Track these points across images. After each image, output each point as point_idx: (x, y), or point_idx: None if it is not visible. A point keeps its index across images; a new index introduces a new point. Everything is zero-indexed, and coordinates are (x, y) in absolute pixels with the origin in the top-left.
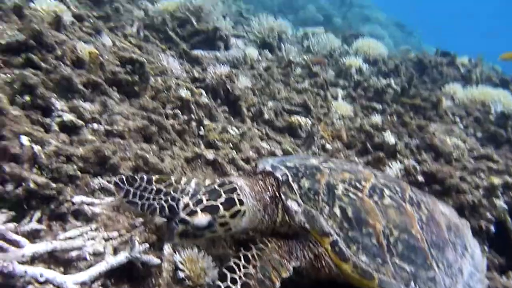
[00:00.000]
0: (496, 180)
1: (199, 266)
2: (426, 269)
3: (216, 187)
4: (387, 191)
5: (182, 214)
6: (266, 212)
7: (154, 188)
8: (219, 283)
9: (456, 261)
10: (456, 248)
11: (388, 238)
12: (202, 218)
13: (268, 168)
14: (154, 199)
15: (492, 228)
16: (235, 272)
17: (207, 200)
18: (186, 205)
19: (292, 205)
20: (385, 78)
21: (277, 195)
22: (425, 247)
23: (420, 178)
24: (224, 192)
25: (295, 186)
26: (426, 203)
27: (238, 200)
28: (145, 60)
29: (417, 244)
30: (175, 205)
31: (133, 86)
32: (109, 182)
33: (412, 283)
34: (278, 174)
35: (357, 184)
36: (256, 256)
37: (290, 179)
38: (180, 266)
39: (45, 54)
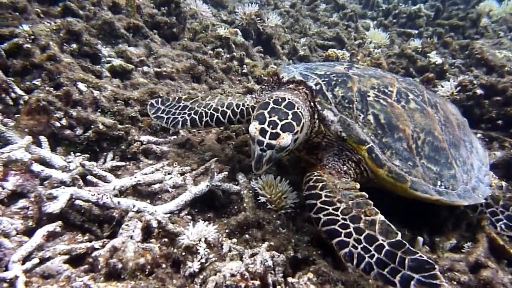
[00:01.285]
0: None
1: (278, 190)
2: (448, 168)
3: (273, 104)
4: (410, 95)
5: (267, 140)
6: (310, 122)
7: (181, 105)
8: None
9: (468, 158)
10: (466, 145)
11: (416, 142)
12: (286, 138)
13: (299, 77)
14: (179, 113)
15: None
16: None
17: (279, 120)
18: (262, 130)
19: (328, 114)
20: (415, 4)
21: (312, 105)
22: (446, 147)
23: (479, 91)
24: (287, 108)
25: (329, 95)
26: (440, 104)
27: (301, 113)
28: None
29: (440, 145)
30: (197, 119)
31: (171, 28)
32: None
33: (439, 182)
34: (311, 84)
35: (385, 90)
36: (329, 194)
37: (324, 88)
38: (260, 191)
39: (81, 1)
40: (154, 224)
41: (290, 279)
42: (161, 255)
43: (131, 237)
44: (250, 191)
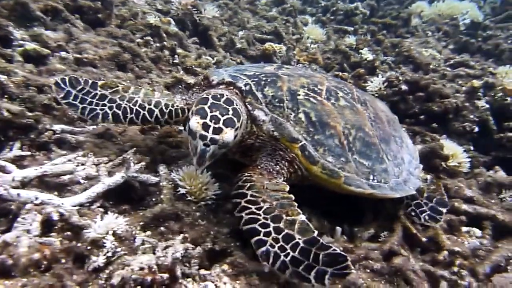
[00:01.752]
0: (477, 83)
1: (198, 182)
2: (380, 162)
3: (212, 99)
4: (340, 93)
5: (210, 134)
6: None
7: (98, 93)
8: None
9: (398, 152)
10: (397, 140)
11: (348, 138)
12: (229, 133)
13: (228, 79)
14: (97, 104)
15: (476, 128)
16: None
17: (221, 115)
18: (205, 125)
19: (260, 114)
20: (352, 2)
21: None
22: (377, 142)
23: (404, 87)
24: (226, 104)
25: (259, 95)
26: (369, 101)
27: (239, 109)
28: None
29: (371, 140)
30: (121, 114)
31: (96, 13)
32: None
33: (371, 176)
34: (240, 84)
35: (315, 88)
36: (256, 194)
37: (254, 88)
38: (180, 182)
39: None
40: (55, 216)
41: (202, 271)
42: (62, 249)
43: (28, 231)
44: (170, 183)
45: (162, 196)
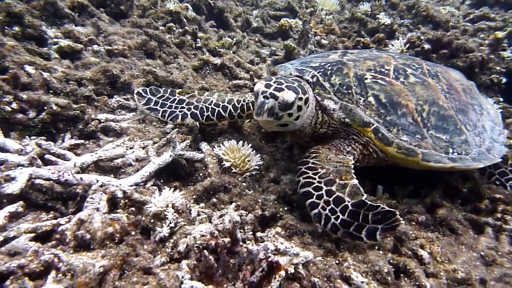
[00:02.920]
0: (500, 34)
1: (241, 154)
2: (458, 134)
3: (281, 76)
4: (408, 70)
5: (271, 90)
6: (314, 111)
7: (177, 98)
8: (300, 178)
9: (478, 120)
10: (475, 108)
11: (421, 114)
12: (289, 94)
13: (295, 73)
14: (176, 107)
15: (504, 79)
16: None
17: (286, 82)
18: (267, 85)
19: (329, 103)
20: None
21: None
22: (453, 114)
23: (427, 46)
24: (293, 80)
25: (326, 84)
26: (441, 73)
27: (307, 88)
28: None
29: (446, 113)
30: (198, 114)
31: (118, 5)
32: (126, 99)
33: (450, 149)
34: (307, 77)
35: (382, 69)
36: (317, 162)
37: (321, 78)
38: (224, 157)
39: None
40: (120, 194)
41: (258, 234)
42: (130, 223)
43: (97, 209)
44: (214, 158)
45: (209, 170)
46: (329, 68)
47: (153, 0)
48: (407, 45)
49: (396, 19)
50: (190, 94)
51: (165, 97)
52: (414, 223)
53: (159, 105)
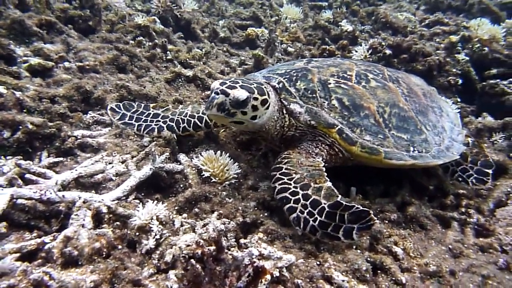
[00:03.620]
0: (454, 38)
1: (219, 164)
2: (419, 134)
3: (242, 79)
4: (370, 75)
5: (222, 87)
6: (278, 115)
7: (151, 112)
8: (276, 184)
9: (438, 121)
10: (435, 110)
11: (383, 115)
12: (241, 92)
13: (262, 80)
14: (151, 121)
15: (460, 80)
16: (284, 179)
17: (242, 82)
18: (222, 83)
19: (295, 107)
20: None
21: (279, 102)
22: (413, 115)
23: (388, 51)
24: (254, 82)
25: (292, 89)
26: (402, 78)
27: (267, 91)
28: None
29: (407, 114)
30: (174, 126)
31: (86, 21)
32: (101, 115)
33: (411, 148)
34: (274, 83)
35: (344, 75)
36: (290, 167)
37: (287, 84)
38: (203, 167)
39: None
40: (104, 210)
41: (242, 240)
42: (116, 237)
43: (83, 225)
44: (193, 169)
45: (190, 181)
46: (294, 74)
47: (121, 14)
48: (369, 51)
49: (357, 25)
50: (165, 108)
51: (139, 112)
52: (386, 221)
53: (134, 119)
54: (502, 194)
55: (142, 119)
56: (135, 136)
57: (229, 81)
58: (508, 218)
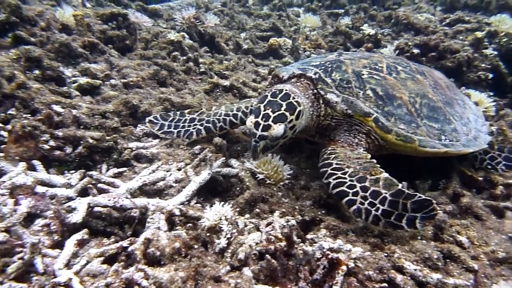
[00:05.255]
0: (480, 34)
1: (272, 166)
2: (448, 123)
3: (270, 97)
4: (399, 67)
5: (259, 132)
6: (313, 107)
7: (188, 118)
8: (330, 180)
9: (463, 113)
10: (459, 102)
11: (414, 105)
12: (277, 129)
13: (298, 72)
14: (189, 126)
15: (490, 75)
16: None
17: (272, 112)
18: (256, 123)
19: (332, 97)
20: None
21: (315, 92)
22: (441, 106)
23: (416, 50)
24: (281, 100)
25: (328, 80)
26: (427, 71)
27: (296, 102)
28: (126, 11)
29: (436, 105)
30: (211, 126)
31: (124, 40)
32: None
33: (443, 137)
34: (310, 74)
35: (376, 67)
36: (340, 162)
37: (323, 75)
38: (257, 169)
39: (30, 29)
40: (177, 212)
41: (309, 235)
42: (191, 237)
43: (159, 228)
44: (247, 172)
45: (247, 183)
46: (329, 65)
47: (154, 32)
48: (396, 52)
49: (377, 29)
50: (199, 112)
51: (176, 119)
52: (442, 213)
53: (172, 127)
54: None
55: (180, 126)
56: (185, 145)
57: (262, 119)
58: None
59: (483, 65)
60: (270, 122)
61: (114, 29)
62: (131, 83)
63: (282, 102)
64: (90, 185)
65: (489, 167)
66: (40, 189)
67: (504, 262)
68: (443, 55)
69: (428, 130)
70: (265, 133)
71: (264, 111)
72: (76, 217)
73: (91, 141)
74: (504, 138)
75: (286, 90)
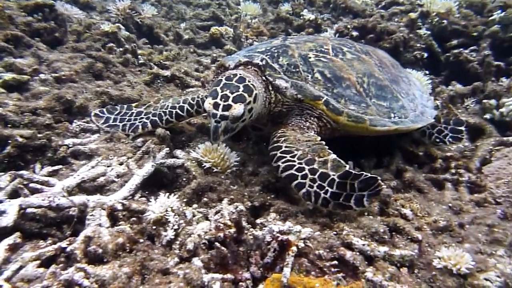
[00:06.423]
0: (413, 15)
1: (219, 153)
2: (396, 101)
3: (225, 81)
4: (344, 48)
5: (220, 112)
6: (265, 93)
7: (134, 111)
8: (279, 163)
9: (409, 89)
10: (404, 79)
11: (362, 85)
12: (238, 108)
13: (244, 59)
14: (135, 119)
15: (425, 54)
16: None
17: (231, 93)
18: (215, 104)
19: (281, 82)
20: None
21: (264, 78)
22: (388, 84)
23: (355, 33)
24: (237, 82)
25: (276, 66)
26: (371, 51)
27: (252, 85)
28: (52, 2)
29: (383, 83)
30: (157, 119)
31: (53, 33)
32: (86, 122)
33: (392, 114)
34: (257, 61)
35: (322, 49)
36: (289, 145)
37: (269, 61)
38: (203, 158)
39: None
40: (119, 207)
41: (258, 220)
42: (136, 232)
43: (100, 225)
44: (193, 161)
45: (194, 173)
46: (275, 51)
47: (86, 23)
48: (336, 35)
49: (317, 14)
50: (147, 105)
51: (122, 113)
52: (387, 188)
53: (118, 121)
54: (485, 152)
55: (126, 119)
56: (126, 138)
57: (221, 99)
58: (496, 173)
59: (418, 45)
60: (230, 102)
61: (41, 21)
62: (64, 77)
63: (238, 85)
64: (21, 185)
65: (437, 140)
66: None
67: (445, 230)
68: (381, 37)
69: (377, 109)
70: (226, 113)
71: (222, 92)
72: (6, 221)
73: (20, 139)
74: (448, 111)
75: (240, 74)
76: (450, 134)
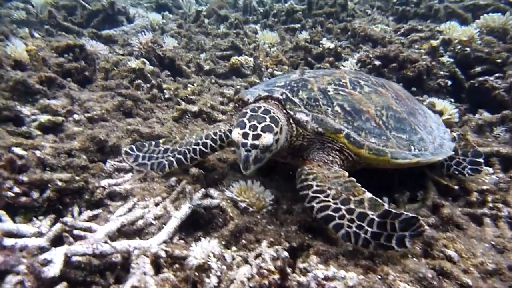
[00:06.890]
0: (435, 42)
1: (254, 193)
2: (415, 133)
3: (251, 112)
4: (361, 81)
5: (250, 141)
6: (287, 127)
7: (162, 148)
8: (313, 204)
9: (426, 122)
10: (420, 112)
11: (381, 118)
12: (267, 137)
13: (264, 94)
14: (163, 157)
15: (449, 81)
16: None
17: (258, 123)
18: (244, 134)
19: (302, 116)
20: (286, 1)
21: (284, 112)
22: (406, 117)
23: (377, 62)
24: (263, 114)
25: (296, 99)
26: (386, 83)
27: (277, 116)
28: (83, 42)
29: (401, 116)
30: (182, 158)
31: (83, 72)
32: (119, 162)
33: (412, 147)
34: (277, 95)
35: (340, 82)
36: (320, 184)
37: (290, 95)
38: (239, 198)
39: None
40: (163, 254)
41: (300, 264)
42: (180, 279)
43: (144, 273)
44: (229, 201)
45: (230, 214)
46: (295, 85)
47: (113, 61)
48: (358, 64)
49: (335, 42)
50: (173, 141)
51: (151, 150)
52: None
53: (146, 159)
54: None
55: (154, 157)
56: (160, 178)
57: (249, 129)
58: None
59: (441, 72)
60: (259, 132)
61: (72, 61)
62: (96, 116)
63: (265, 116)
64: (65, 233)
65: (456, 172)
66: (8, 241)
67: (494, 274)
68: (404, 65)
69: (397, 142)
70: (256, 142)
71: (249, 123)
72: (53, 271)
73: (60, 183)
74: (466, 143)
75: (264, 106)
76: (469, 166)
